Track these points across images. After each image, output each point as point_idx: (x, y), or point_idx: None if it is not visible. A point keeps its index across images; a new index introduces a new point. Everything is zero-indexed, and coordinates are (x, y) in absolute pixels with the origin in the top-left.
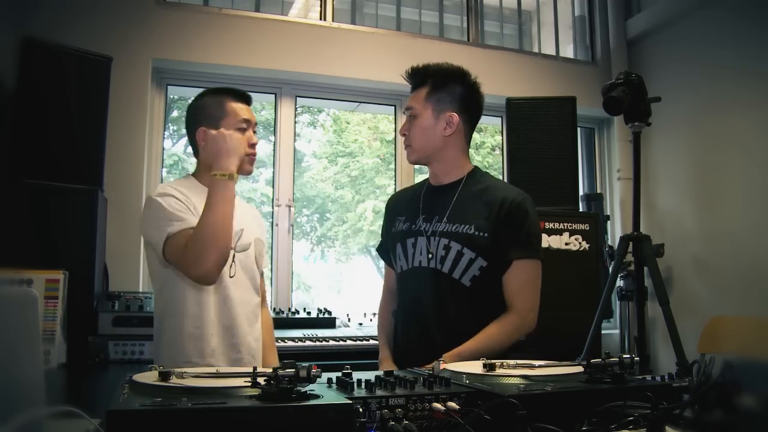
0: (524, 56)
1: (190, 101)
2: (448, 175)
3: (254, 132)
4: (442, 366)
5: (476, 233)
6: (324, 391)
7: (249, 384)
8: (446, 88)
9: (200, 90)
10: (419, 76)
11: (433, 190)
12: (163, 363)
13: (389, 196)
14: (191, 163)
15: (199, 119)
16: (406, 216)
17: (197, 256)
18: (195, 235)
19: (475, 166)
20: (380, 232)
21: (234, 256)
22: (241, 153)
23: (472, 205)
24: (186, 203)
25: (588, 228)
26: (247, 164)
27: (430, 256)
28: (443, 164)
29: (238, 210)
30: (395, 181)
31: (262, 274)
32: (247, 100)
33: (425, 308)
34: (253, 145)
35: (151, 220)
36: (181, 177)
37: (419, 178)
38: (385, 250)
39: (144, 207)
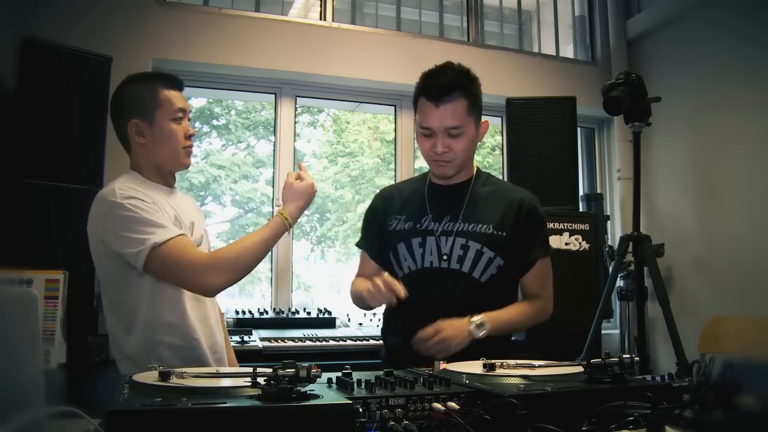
0: (524, 56)
1: (115, 89)
2: (458, 176)
3: (189, 120)
4: (442, 366)
5: (495, 232)
6: (324, 391)
7: (249, 384)
8: (476, 96)
9: (201, 90)
10: (451, 90)
11: (439, 189)
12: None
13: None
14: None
15: (130, 110)
16: (407, 215)
17: (218, 270)
18: (232, 251)
19: (477, 167)
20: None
21: None
22: (309, 196)
23: (486, 205)
24: (155, 203)
25: (588, 228)
26: (184, 157)
27: (444, 256)
28: (464, 169)
29: (183, 201)
30: (395, 181)
31: None
32: (179, 86)
33: (438, 308)
34: (190, 137)
35: (120, 227)
36: (125, 175)
37: None
38: (372, 245)
39: (102, 211)
